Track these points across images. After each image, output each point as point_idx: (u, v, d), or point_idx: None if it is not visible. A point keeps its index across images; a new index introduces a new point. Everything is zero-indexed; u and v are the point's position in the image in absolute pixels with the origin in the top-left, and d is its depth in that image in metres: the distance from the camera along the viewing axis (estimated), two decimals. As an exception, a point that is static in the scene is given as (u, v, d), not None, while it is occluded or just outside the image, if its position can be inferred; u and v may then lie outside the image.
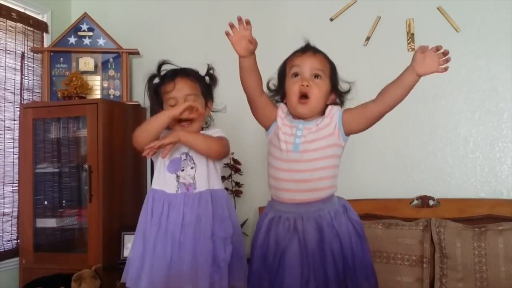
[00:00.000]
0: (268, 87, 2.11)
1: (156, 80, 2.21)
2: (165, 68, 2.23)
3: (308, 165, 1.93)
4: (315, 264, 1.89)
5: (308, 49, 2.04)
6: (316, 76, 1.97)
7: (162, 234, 2.05)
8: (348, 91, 2.07)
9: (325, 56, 2.05)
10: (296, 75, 1.98)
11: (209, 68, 2.26)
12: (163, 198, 2.08)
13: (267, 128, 2.08)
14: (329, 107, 2.02)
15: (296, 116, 2.00)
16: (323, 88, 1.98)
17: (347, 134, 2.01)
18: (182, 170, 2.10)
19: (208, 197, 2.10)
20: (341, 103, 2.07)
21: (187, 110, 2.04)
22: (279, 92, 2.06)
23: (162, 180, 2.12)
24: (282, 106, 2.06)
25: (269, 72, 3.47)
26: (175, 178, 2.09)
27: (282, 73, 2.06)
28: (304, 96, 1.94)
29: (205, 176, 2.11)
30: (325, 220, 1.93)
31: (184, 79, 2.11)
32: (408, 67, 1.87)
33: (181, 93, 2.09)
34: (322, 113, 2.01)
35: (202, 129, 2.25)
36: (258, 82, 2.02)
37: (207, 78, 2.26)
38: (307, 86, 1.94)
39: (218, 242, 2.07)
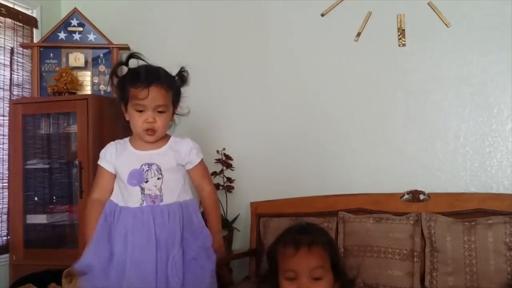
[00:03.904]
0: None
1: (122, 71, 2.10)
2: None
3: None
4: None
5: (301, 244, 1.56)
6: (317, 278, 1.54)
7: (130, 252, 1.96)
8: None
9: (323, 244, 1.59)
10: (292, 278, 1.55)
11: (182, 70, 2.12)
12: (127, 213, 2.00)
13: None
14: None
15: None
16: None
17: None
18: (146, 182, 2.01)
19: (177, 210, 2.02)
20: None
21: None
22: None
23: (122, 194, 2.03)
24: None
25: (260, 66, 3.50)
26: (139, 190, 2.00)
27: (274, 265, 1.63)
28: None
29: (173, 189, 2.04)
30: None
31: (159, 87, 1.97)
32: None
33: (153, 103, 1.96)
34: None
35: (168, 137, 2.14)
36: None
37: (177, 78, 2.12)
38: None
39: (202, 253, 2.05)
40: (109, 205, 2.05)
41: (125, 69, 2.10)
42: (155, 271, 1.95)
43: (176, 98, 2.09)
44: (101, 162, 2.09)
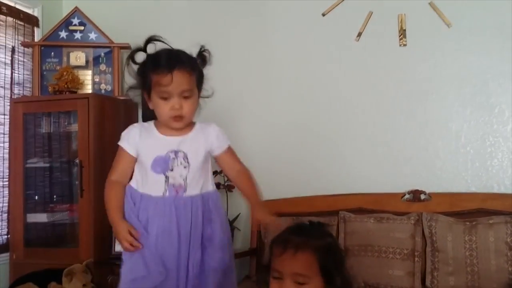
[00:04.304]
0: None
1: (140, 56, 1.99)
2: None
3: None
4: None
5: (288, 246, 1.51)
6: (301, 283, 1.49)
7: (149, 241, 1.90)
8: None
9: (314, 249, 1.51)
10: (277, 278, 1.51)
11: (202, 50, 2.01)
12: (149, 201, 1.93)
13: None
14: None
15: None
16: None
17: None
18: (171, 170, 1.91)
19: (198, 203, 1.94)
20: None
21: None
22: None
23: (143, 180, 1.95)
24: None
25: (261, 66, 3.50)
26: (164, 178, 1.91)
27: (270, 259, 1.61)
28: None
29: (198, 179, 1.95)
30: None
31: (182, 71, 1.86)
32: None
33: (178, 88, 1.86)
34: None
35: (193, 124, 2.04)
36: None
37: (198, 60, 2.01)
38: None
39: (224, 247, 1.99)
40: (130, 191, 1.97)
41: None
42: (176, 262, 1.90)
43: (200, 80, 1.98)
44: (122, 144, 1.97)
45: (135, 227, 1.91)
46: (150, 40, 1.99)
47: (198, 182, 1.96)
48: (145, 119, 2.11)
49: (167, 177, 1.91)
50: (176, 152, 1.92)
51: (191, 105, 1.92)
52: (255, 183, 2.07)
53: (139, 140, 1.95)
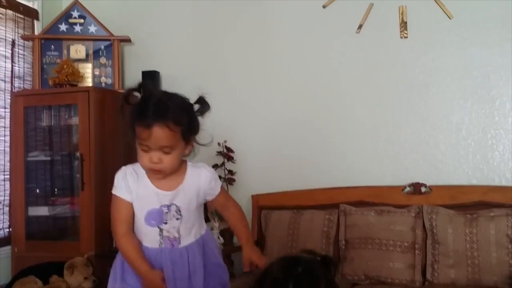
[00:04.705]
0: None
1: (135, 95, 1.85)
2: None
3: None
4: None
5: None
6: None
7: None
8: None
9: None
10: None
11: (200, 99, 1.87)
12: (145, 253, 1.87)
13: None
14: None
15: None
16: None
17: None
18: (165, 223, 1.86)
19: (195, 249, 1.92)
20: None
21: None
22: None
23: (138, 230, 1.89)
24: None
25: (262, 59, 3.49)
26: (158, 231, 1.86)
27: None
28: None
29: (190, 228, 1.91)
30: None
31: (162, 127, 1.73)
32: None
33: (156, 144, 1.76)
34: None
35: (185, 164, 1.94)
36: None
37: (196, 106, 1.87)
38: None
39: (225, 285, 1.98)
40: None
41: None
42: None
43: (188, 132, 1.83)
44: (120, 193, 1.88)
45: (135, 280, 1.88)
46: (144, 86, 1.86)
47: (191, 231, 1.93)
48: None
49: (161, 230, 1.87)
50: (168, 206, 1.87)
51: (171, 161, 1.81)
52: (247, 223, 2.08)
53: (133, 188, 1.88)
